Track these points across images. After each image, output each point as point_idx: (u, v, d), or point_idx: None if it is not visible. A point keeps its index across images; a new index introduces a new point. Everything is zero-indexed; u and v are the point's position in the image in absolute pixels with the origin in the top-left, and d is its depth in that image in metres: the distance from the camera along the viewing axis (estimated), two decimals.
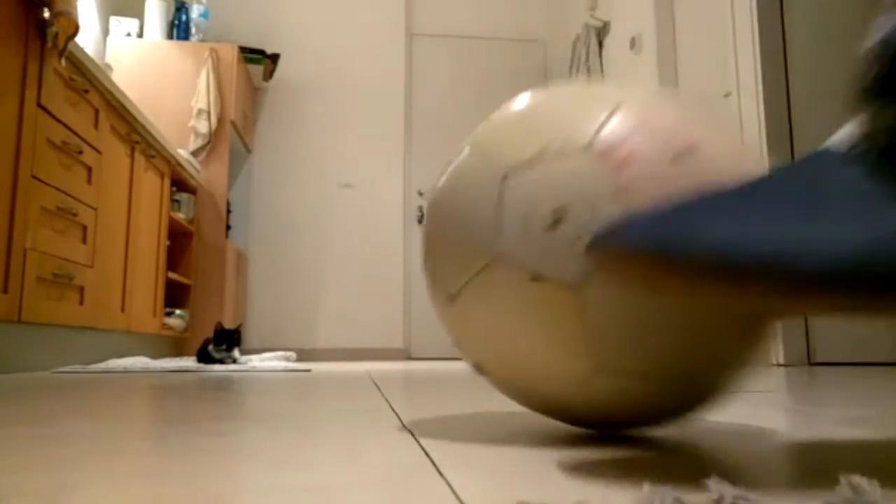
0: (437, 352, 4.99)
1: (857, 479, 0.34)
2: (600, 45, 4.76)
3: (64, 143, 2.31)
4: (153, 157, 3.26)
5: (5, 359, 2.03)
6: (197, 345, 3.65)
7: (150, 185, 3.26)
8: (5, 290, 1.97)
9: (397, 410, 0.92)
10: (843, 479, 0.34)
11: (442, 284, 0.60)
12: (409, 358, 4.91)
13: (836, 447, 0.58)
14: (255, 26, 5.07)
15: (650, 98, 0.57)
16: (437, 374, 2.11)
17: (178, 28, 4.27)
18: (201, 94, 4.02)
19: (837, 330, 2.75)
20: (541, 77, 5.42)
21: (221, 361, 2.67)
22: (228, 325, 4.00)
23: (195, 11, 4.34)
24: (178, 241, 3.88)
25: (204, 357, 2.69)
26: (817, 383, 1.51)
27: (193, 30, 4.31)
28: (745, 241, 0.36)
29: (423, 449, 0.57)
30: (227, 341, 2.69)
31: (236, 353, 2.75)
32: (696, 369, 0.52)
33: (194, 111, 4.00)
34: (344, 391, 1.33)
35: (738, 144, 0.55)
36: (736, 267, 0.36)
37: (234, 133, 4.31)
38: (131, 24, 4.11)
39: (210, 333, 2.80)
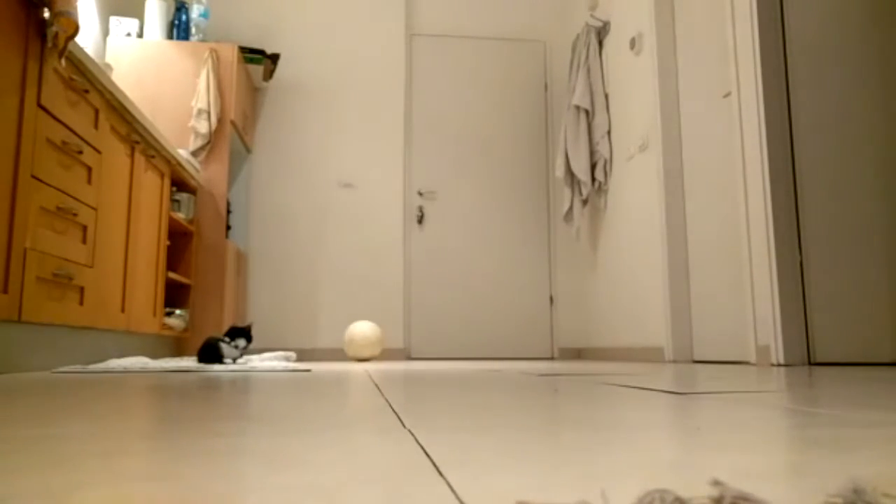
0: (436, 352, 4.99)
1: (858, 480, 0.34)
2: (600, 45, 4.76)
3: (64, 143, 2.31)
4: (153, 157, 3.26)
5: (5, 359, 2.03)
6: (197, 345, 3.65)
7: (150, 185, 3.26)
8: (5, 290, 1.97)
9: (397, 410, 0.92)
10: (843, 480, 0.34)
11: (352, 350, 4.16)
12: (409, 358, 4.91)
13: (837, 447, 0.58)
14: (255, 26, 5.07)
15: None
16: (436, 375, 2.11)
17: (178, 28, 4.27)
18: (201, 94, 4.02)
19: (838, 330, 2.75)
20: (541, 77, 5.42)
21: (220, 361, 2.68)
22: (227, 325, 4.01)
23: (195, 11, 4.34)
24: (178, 241, 3.88)
25: (209, 353, 2.69)
26: (817, 383, 1.51)
27: (193, 30, 4.31)
28: None
29: (423, 449, 0.57)
30: (244, 336, 2.78)
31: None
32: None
33: (194, 111, 4.00)
34: (344, 391, 1.33)
35: None
36: None
37: (234, 133, 4.31)
38: (131, 24, 4.11)
39: (209, 333, 2.80)
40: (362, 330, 4.14)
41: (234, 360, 2.75)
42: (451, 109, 5.27)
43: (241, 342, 2.76)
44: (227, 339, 2.75)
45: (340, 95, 5.10)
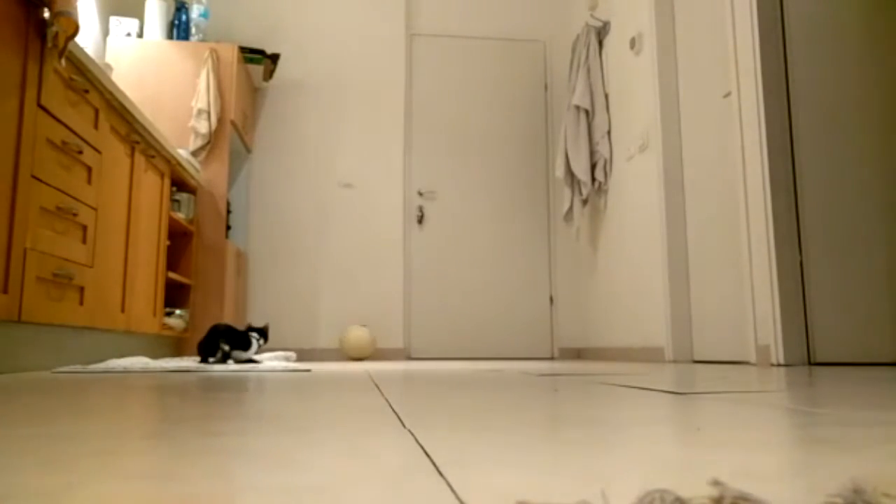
0: (436, 352, 4.99)
1: (858, 480, 0.34)
2: (600, 45, 4.76)
3: (64, 143, 2.31)
4: (153, 157, 3.26)
5: (5, 359, 2.03)
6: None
7: (150, 185, 3.26)
8: (5, 290, 1.97)
9: (397, 410, 0.92)
10: (843, 480, 0.34)
11: (348, 352, 4.48)
12: (409, 358, 4.91)
13: (836, 447, 0.58)
14: (255, 26, 5.07)
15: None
16: (436, 375, 2.11)
17: (178, 28, 4.27)
18: (201, 94, 4.02)
19: (838, 330, 2.75)
20: (541, 77, 5.42)
21: (223, 362, 2.69)
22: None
23: (195, 11, 4.34)
24: (178, 241, 3.88)
25: (239, 341, 2.77)
26: (817, 383, 1.51)
27: (193, 30, 4.31)
28: None
29: (423, 449, 0.57)
30: (264, 336, 2.89)
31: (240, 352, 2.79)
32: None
33: (194, 111, 4.00)
34: (344, 391, 1.33)
35: None
36: None
37: (234, 133, 4.31)
38: (131, 24, 4.11)
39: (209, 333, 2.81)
40: (356, 331, 4.55)
41: (240, 360, 2.76)
42: (451, 109, 5.27)
43: (262, 341, 2.89)
44: (255, 334, 2.83)
45: (340, 95, 5.10)
